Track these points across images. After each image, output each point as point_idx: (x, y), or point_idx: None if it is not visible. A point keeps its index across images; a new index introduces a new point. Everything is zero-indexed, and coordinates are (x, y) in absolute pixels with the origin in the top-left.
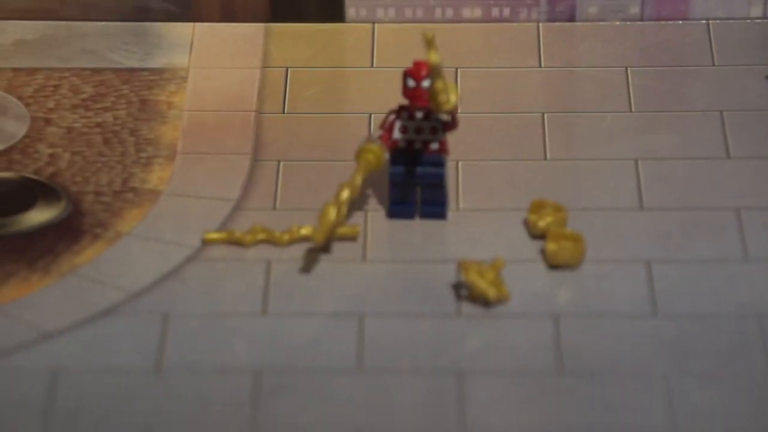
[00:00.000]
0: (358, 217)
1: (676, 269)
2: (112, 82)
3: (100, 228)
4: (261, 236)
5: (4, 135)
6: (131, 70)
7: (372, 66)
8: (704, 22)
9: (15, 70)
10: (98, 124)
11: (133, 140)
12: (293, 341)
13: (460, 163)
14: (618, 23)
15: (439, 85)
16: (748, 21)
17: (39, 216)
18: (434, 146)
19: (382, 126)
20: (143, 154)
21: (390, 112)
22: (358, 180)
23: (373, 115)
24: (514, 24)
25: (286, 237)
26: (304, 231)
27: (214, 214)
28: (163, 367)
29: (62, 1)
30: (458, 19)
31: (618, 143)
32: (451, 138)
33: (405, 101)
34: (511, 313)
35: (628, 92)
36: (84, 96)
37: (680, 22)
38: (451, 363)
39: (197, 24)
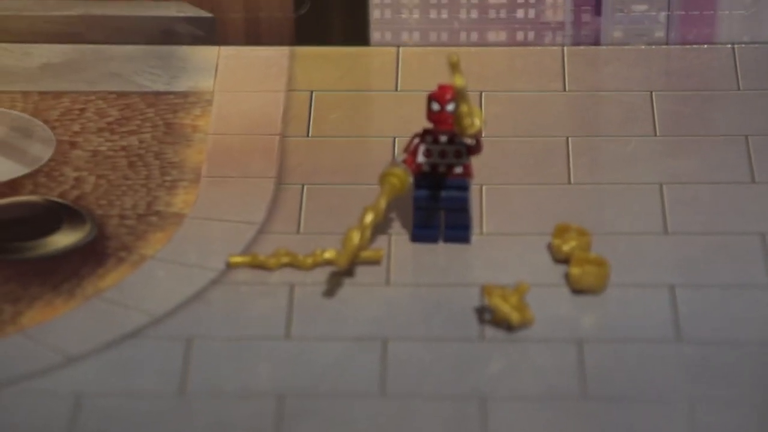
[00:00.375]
0: (381, 240)
1: (701, 294)
2: (138, 106)
3: (125, 251)
4: (285, 260)
5: (29, 158)
6: (156, 94)
7: (396, 89)
8: (729, 46)
9: (41, 93)
10: (123, 148)
11: (158, 163)
12: (316, 365)
13: (484, 187)
14: (643, 47)
15: (463, 108)
16: None
17: (64, 239)
18: (458, 170)
19: (406, 149)
20: (168, 178)
21: (414, 136)
22: (382, 204)
23: (397, 139)
24: (539, 48)
25: (309, 261)
26: (328, 255)
27: (239, 237)
28: (187, 391)
29: (88, 25)
30: (483, 43)
31: (642, 167)
32: (476, 162)
33: (429, 125)
34: (534, 338)
35: (653, 116)
36: (109, 119)
37: (705, 46)
38: (475, 387)
39: (222, 47)
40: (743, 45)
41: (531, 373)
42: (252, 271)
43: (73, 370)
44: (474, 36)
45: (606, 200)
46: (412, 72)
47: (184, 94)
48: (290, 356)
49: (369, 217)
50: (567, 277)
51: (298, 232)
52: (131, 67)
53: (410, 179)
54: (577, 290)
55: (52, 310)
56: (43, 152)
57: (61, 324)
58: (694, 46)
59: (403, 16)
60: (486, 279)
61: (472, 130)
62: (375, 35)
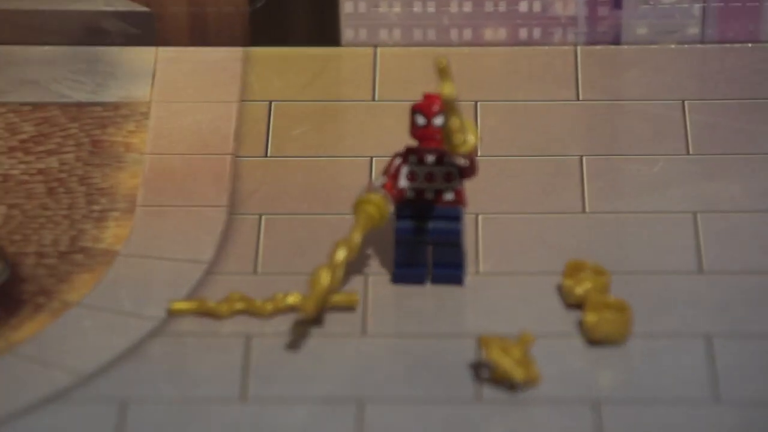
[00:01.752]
0: (357, 282)
1: (742, 345)
2: (58, 120)
3: (44, 297)
4: (239, 306)
5: None
6: (80, 105)
7: (373, 99)
8: None
9: None
10: (41, 171)
11: (84, 190)
12: None
13: (480, 217)
14: (673, 47)
15: (454, 122)
16: None
17: None
18: (449, 196)
19: (385, 172)
20: (95, 207)
21: (395, 156)
22: (357, 237)
23: (374, 159)
24: (547, 48)
25: (269, 307)
26: (292, 299)
27: (183, 279)
28: None
29: None
30: (478, 42)
31: (672, 193)
32: (469, 186)
33: (413, 142)
34: (542, 399)
35: (686, 131)
36: (23, 137)
37: (749, 44)
38: None
39: (161, 48)
40: None
41: None
42: (199, 319)
43: None
44: (467, 34)
45: (628, 232)
46: (393, 78)
47: (115, 106)
48: (246, 422)
49: (341, 254)
50: (581, 325)
51: (254, 272)
52: (50, 73)
53: (390, 208)
54: (594, 341)
55: None
56: None
57: None
58: (735, 45)
59: (381, 9)
60: (483, 328)
61: (464, 149)
62: (347, 33)
